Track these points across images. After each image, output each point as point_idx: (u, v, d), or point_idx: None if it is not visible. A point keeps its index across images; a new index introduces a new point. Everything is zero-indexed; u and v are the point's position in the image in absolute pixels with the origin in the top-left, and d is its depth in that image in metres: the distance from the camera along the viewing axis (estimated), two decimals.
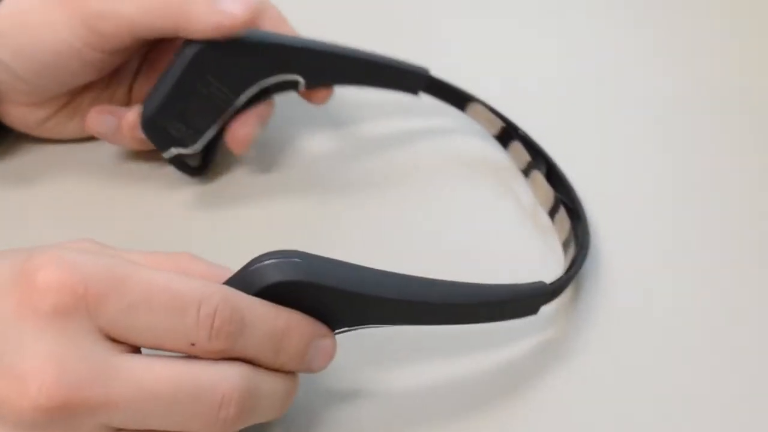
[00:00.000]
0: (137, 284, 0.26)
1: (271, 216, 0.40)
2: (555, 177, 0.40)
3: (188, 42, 0.36)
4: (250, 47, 0.37)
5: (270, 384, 0.28)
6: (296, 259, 0.28)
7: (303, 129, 0.44)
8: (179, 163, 0.39)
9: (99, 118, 0.40)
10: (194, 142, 0.38)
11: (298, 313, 0.28)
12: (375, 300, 0.29)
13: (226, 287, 0.27)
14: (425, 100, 0.43)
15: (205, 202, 0.40)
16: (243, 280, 0.28)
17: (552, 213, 0.39)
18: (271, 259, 0.28)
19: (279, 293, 0.28)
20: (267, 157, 0.43)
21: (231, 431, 0.27)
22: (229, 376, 0.27)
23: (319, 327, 0.29)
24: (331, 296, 0.28)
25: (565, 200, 0.39)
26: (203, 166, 0.40)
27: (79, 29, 0.36)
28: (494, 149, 0.43)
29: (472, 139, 0.44)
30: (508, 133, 0.42)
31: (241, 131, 0.39)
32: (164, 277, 0.26)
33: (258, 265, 0.28)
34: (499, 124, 0.42)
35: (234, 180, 0.42)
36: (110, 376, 0.25)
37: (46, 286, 0.25)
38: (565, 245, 0.38)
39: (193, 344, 0.26)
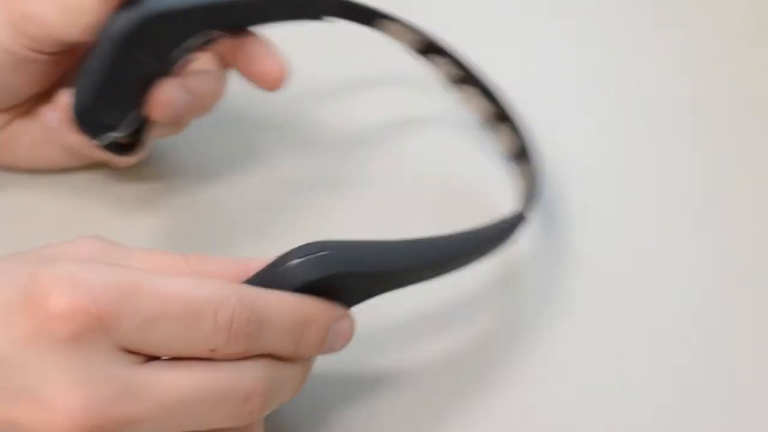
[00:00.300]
0: (150, 296, 0.25)
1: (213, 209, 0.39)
2: (485, 90, 0.40)
3: (110, 22, 0.34)
4: (171, 16, 0.35)
5: (290, 371, 0.28)
6: (324, 252, 0.28)
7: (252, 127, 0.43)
8: (113, 146, 0.37)
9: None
10: (128, 123, 0.36)
11: (316, 301, 0.28)
12: (396, 273, 0.30)
13: (242, 286, 0.27)
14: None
15: (146, 200, 0.39)
16: (273, 281, 0.28)
17: (492, 125, 0.39)
18: (299, 257, 0.28)
19: (310, 289, 0.28)
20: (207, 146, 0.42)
21: (255, 420, 0.27)
22: (250, 373, 0.27)
23: (337, 311, 0.29)
24: (356, 279, 0.29)
25: (501, 111, 0.39)
26: (136, 142, 0.38)
27: (10, 29, 0.34)
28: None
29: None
30: (430, 47, 0.41)
31: (161, 95, 0.35)
32: (177, 284, 0.26)
33: (289, 264, 0.28)
34: (418, 38, 0.41)
35: (170, 174, 0.41)
36: (134, 392, 0.25)
37: (60, 312, 0.24)
38: (515, 157, 0.38)
39: (212, 350, 0.26)
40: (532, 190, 0.37)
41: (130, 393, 0.25)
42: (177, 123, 0.38)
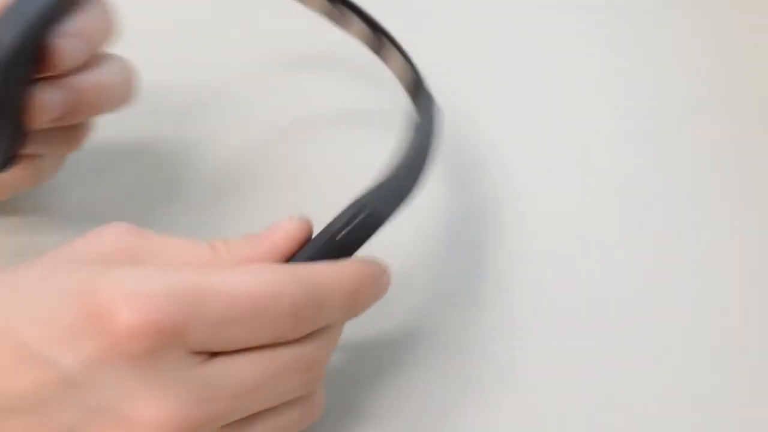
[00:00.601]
0: (214, 300, 0.25)
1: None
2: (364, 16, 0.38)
3: None
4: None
5: (339, 332, 0.30)
6: (365, 214, 0.28)
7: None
8: None
9: None
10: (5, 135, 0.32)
11: (362, 265, 0.29)
12: (407, 197, 0.30)
13: (296, 270, 0.27)
14: None
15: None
16: (322, 254, 0.28)
17: (376, 50, 0.38)
18: (345, 225, 0.28)
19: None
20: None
21: (318, 385, 0.29)
22: (311, 347, 0.28)
23: (378, 268, 0.29)
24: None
25: (381, 33, 0.38)
26: (9, 158, 0.33)
27: None
28: None
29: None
30: None
31: (38, 100, 0.31)
32: (237, 282, 0.26)
33: (340, 235, 0.28)
34: None
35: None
36: (209, 391, 0.25)
37: (131, 331, 0.24)
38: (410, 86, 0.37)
39: (276, 338, 0.27)
40: (416, 77, 0.36)
41: (206, 393, 0.25)
42: (71, 134, 0.34)
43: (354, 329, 0.33)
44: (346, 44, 0.39)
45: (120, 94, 0.33)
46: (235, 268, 0.26)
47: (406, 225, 0.37)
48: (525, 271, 0.37)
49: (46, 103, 0.31)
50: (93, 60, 0.32)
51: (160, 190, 0.39)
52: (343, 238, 0.28)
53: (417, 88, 0.36)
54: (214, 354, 0.26)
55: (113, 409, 0.25)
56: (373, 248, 0.30)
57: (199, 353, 0.26)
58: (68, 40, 0.30)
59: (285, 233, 0.28)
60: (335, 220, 0.28)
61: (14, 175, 0.34)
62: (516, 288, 0.37)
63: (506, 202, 0.39)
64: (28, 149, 0.33)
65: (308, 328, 0.27)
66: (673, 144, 0.43)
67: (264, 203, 0.39)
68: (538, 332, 0.35)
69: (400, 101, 0.40)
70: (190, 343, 0.25)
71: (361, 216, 0.28)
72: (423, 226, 0.39)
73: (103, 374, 0.24)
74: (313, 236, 0.29)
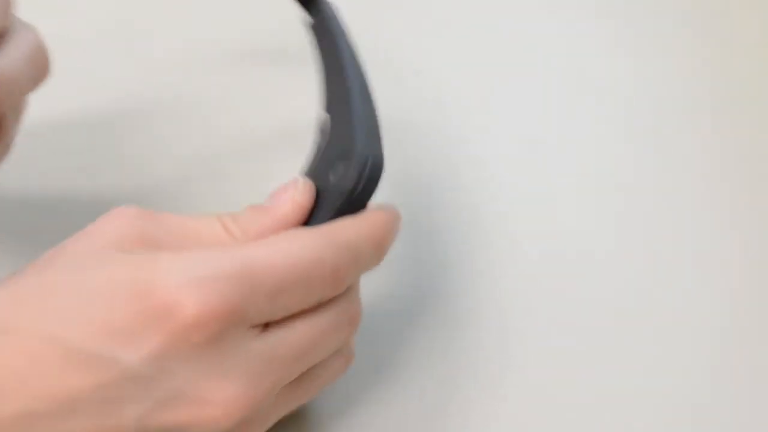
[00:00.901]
0: (265, 276, 0.26)
1: None
2: None
3: None
4: None
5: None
6: (370, 162, 0.29)
7: None
8: None
9: None
10: None
11: (382, 213, 0.29)
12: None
13: (328, 232, 0.28)
14: None
15: None
16: (349, 208, 0.29)
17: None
18: (357, 182, 0.29)
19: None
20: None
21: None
22: (351, 300, 0.29)
23: (394, 212, 0.30)
24: None
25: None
26: None
27: None
28: None
29: None
30: None
31: None
32: (280, 254, 0.26)
33: (356, 192, 0.29)
34: None
35: None
36: (273, 362, 0.27)
37: (195, 321, 0.25)
38: None
39: (321, 300, 0.28)
40: None
41: (269, 363, 0.26)
42: None
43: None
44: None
45: (29, 80, 0.30)
46: (276, 239, 0.27)
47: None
48: (523, 270, 0.38)
49: None
50: None
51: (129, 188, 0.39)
52: (359, 192, 0.29)
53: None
54: (267, 325, 0.27)
55: (184, 395, 0.25)
56: None
57: (256, 326, 0.26)
58: None
59: (292, 204, 0.29)
60: (346, 178, 0.29)
61: None
62: (512, 288, 0.37)
63: (502, 204, 0.40)
64: None
65: (347, 284, 0.28)
66: (671, 144, 0.43)
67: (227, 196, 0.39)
68: (536, 332, 0.36)
69: None
70: (249, 319, 0.26)
71: (368, 167, 0.29)
72: (418, 228, 0.39)
73: (170, 364, 0.25)
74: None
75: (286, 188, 0.29)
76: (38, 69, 0.30)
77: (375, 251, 0.29)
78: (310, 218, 0.29)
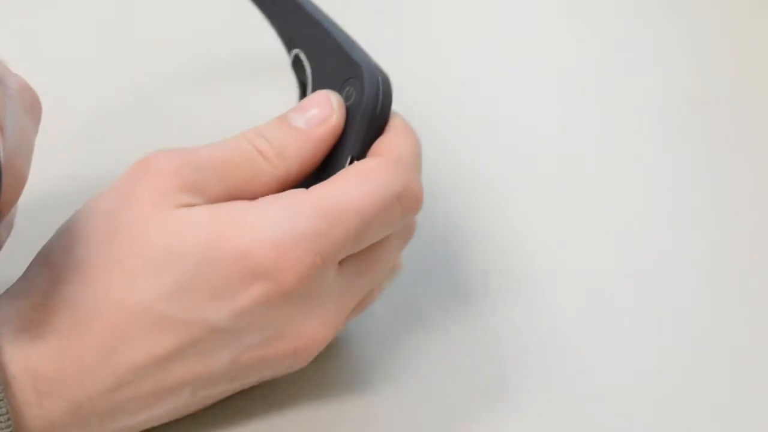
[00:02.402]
0: (346, 218, 0.26)
1: None
2: None
3: None
4: None
5: None
6: (380, 76, 0.29)
7: None
8: None
9: None
10: None
11: (408, 126, 0.30)
12: None
13: (393, 161, 0.28)
14: None
15: None
16: (375, 126, 0.29)
17: None
18: (378, 96, 0.29)
19: None
20: None
21: None
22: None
23: (408, 124, 0.31)
24: None
25: None
26: None
27: None
28: None
29: None
30: None
31: None
32: (356, 191, 0.27)
33: (379, 106, 0.29)
34: None
35: None
36: (354, 289, 0.28)
37: (294, 280, 0.25)
38: None
39: (405, 222, 0.29)
40: None
41: (350, 292, 0.28)
42: None
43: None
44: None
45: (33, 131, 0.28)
46: (348, 181, 0.27)
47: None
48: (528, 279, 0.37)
49: None
50: None
51: None
52: (381, 109, 0.29)
53: None
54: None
55: (275, 337, 0.27)
56: None
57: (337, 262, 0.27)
58: None
59: (327, 127, 0.29)
60: (365, 97, 0.29)
61: None
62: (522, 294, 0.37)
63: (508, 218, 0.39)
64: None
65: (422, 200, 0.28)
66: (669, 146, 0.43)
67: None
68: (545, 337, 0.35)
69: None
70: (338, 260, 0.27)
71: (381, 83, 0.29)
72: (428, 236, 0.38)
73: (264, 316, 0.26)
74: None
75: (319, 106, 0.29)
76: (36, 115, 0.29)
77: (420, 151, 0.29)
78: (341, 140, 0.29)
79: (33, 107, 0.29)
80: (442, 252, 0.37)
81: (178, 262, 0.25)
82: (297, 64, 0.32)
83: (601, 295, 0.36)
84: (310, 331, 0.27)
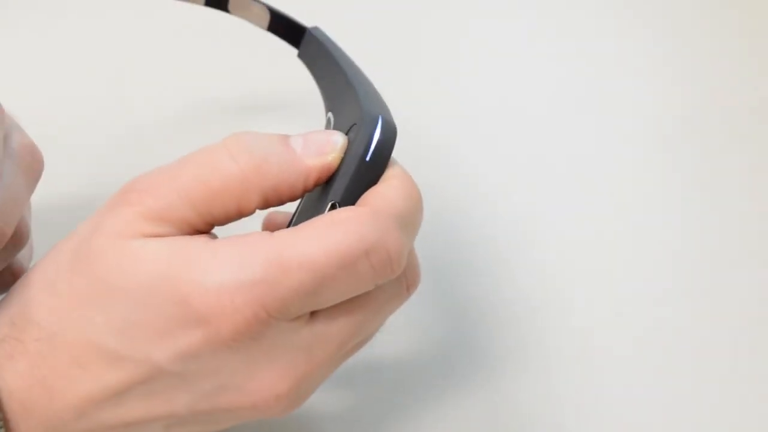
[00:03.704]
0: (300, 272, 0.24)
1: None
2: None
3: None
4: None
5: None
6: (381, 120, 0.27)
7: None
8: None
9: None
10: None
11: (404, 171, 0.27)
12: None
13: (367, 213, 0.25)
14: None
15: None
16: (365, 174, 0.26)
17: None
18: (372, 141, 0.26)
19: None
20: None
21: None
22: (408, 270, 0.27)
23: (398, 165, 0.28)
24: None
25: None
26: None
27: None
28: None
29: None
30: None
31: None
32: (315, 245, 0.24)
33: (373, 154, 0.26)
34: None
35: None
36: (320, 347, 0.26)
37: (233, 330, 0.24)
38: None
39: (376, 285, 0.26)
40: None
41: (316, 349, 0.26)
42: None
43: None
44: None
45: (28, 190, 0.29)
46: (314, 227, 0.25)
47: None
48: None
49: None
50: None
51: None
52: (375, 153, 0.26)
53: (288, 29, 0.35)
54: (316, 311, 0.26)
55: (229, 386, 0.25)
56: None
57: (302, 316, 0.25)
58: None
59: (322, 163, 0.26)
60: (358, 139, 0.26)
61: None
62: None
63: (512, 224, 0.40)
64: None
65: (404, 262, 0.26)
66: (673, 154, 0.43)
67: None
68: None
69: None
70: (291, 315, 0.25)
71: (380, 125, 0.27)
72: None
73: (210, 363, 0.25)
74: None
75: (323, 140, 0.27)
76: (34, 175, 0.30)
77: (419, 213, 0.27)
78: (327, 185, 0.27)
79: (31, 167, 0.29)
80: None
81: (126, 298, 0.24)
82: (327, 126, 0.31)
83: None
84: (267, 384, 0.25)
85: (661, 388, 0.35)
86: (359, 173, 0.26)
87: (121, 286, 0.24)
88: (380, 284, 0.26)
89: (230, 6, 0.35)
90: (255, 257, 0.24)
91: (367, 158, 0.26)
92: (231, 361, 0.25)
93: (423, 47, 0.47)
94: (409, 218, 0.26)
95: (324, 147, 0.27)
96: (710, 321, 0.37)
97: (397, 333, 0.35)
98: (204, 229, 0.26)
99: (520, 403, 0.34)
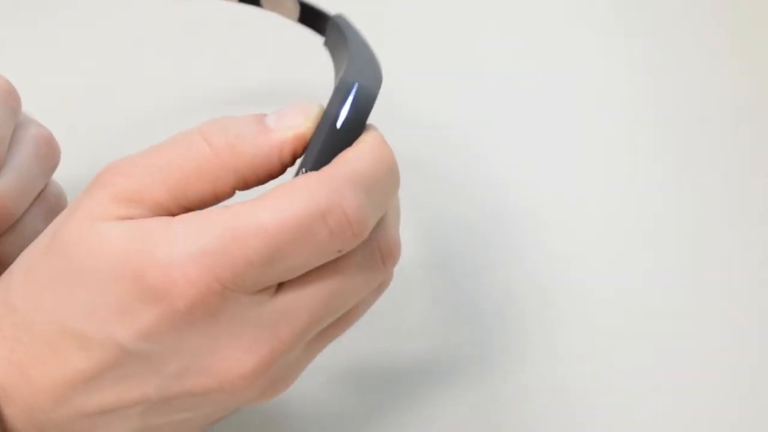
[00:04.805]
0: (255, 240, 0.23)
1: None
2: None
3: None
4: None
5: (397, 199, 0.28)
6: (357, 88, 0.26)
7: None
8: None
9: None
10: None
11: (377, 134, 0.26)
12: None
13: (325, 175, 0.24)
14: None
15: None
16: (333, 142, 0.25)
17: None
18: (343, 106, 0.25)
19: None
20: None
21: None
22: (380, 239, 0.26)
23: (374, 130, 0.26)
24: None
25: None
26: None
27: None
28: None
29: None
30: None
31: None
32: (269, 212, 0.23)
33: (344, 119, 0.25)
34: None
35: None
36: (287, 322, 0.25)
37: (188, 302, 0.23)
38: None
39: (340, 251, 0.24)
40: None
41: (282, 324, 0.25)
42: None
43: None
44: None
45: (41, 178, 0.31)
46: (264, 196, 0.24)
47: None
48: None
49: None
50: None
51: None
52: (345, 122, 0.25)
53: (315, 18, 0.35)
54: (281, 284, 0.25)
55: (194, 367, 0.25)
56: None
57: (265, 289, 0.25)
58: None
59: (294, 134, 0.26)
60: (329, 106, 0.26)
61: None
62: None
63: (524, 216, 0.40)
64: None
65: (369, 226, 0.24)
66: (687, 152, 0.43)
67: None
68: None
69: None
70: (249, 287, 0.24)
71: (354, 92, 0.25)
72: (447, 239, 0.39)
73: (170, 341, 0.24)
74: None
75: (295, 113, 0.26)
76: (50, 163, 0.31)
77: (390, 179, 0.25)
78: (305, 157, 0.26)
79: (48, 156, 0.31)
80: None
81: (90, 279, 0.24)
82: None
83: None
84: (231, 363, 0.25)
85: (663, 387, 0.35)
86: (330, 140, 0.25)
87: (87, 268, 0.24)
88: (344, 250, 0.25)
89: (263, 1, 0.36)
90: (209, 229, 0.24)
91: (338, 125, 0.25)
92: (192, 338, 0.24)
93: (432, 44, 0.48)
94: (375, 181, 0.25)
95: (296, 118, 0.26)
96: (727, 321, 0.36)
97: (402, 333, 0.35)
98: (178, 213, 0.25)
99: (523, 398, 0.34)
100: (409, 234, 0.39)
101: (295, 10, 0.36)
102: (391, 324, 0.36)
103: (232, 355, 0.25)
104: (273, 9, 0.36)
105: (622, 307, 0.37)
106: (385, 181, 0.25)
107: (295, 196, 0.24)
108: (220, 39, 0.47)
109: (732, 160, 0.42)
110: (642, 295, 0.37)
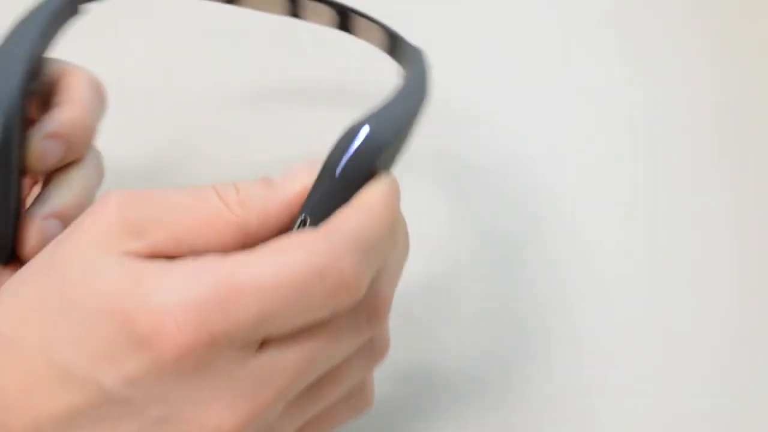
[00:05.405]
0: (250, 295, 0.23)
1: None
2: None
3: None
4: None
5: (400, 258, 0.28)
6: (365, 137, 0.24)
7: None
8: None
9: None
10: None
11: (382, 187, 0.25)
12: (410, 124, 0.27)
13: (326, 234, 0.24)
14: None
15: None
16: (336, 193, 0.24)
17: (347, 28, 0.37)
18: (347, 157, 0.24)
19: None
20: None
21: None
22: (370, 299, 0.26)
23: (392, 181, 0.26)
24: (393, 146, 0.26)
25: (345, 10, 0.35)
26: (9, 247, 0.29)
27: None
28: None
29: None
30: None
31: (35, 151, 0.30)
32: (268, 268, 0.23)
33: (345, 170, 0.24)
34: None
35: None
36: (270, 380, 0.24)
37: (176, 352, 0.23)
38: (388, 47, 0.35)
39: (334, 310, 0.24)
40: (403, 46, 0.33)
41: (265, 382, 0.24)
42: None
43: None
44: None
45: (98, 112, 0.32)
46: (263, 250, 0.24)
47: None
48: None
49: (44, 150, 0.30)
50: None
51: None
52: (343, 171, 0.24)
53: (395, 44, 0.34)
54: (266, 341, 0.25)
55: (174, 418, 0.24)
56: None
57: (250, 345, 0.24)
58: (48, 143, 0.29)
59: (302, 186, 0.25)
60: (331, 150, 0.24)
61: None
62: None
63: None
64: None
65: (365, 287, 0.24)
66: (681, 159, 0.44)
67: None
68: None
69: None
70: (238, 342, 0.24)
71: (360, 141, 0.24)
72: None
73: (154, 389, 0.23)
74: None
75: (304, 167, 0.26)
76: (101, 100, 0.32)
77: (388, 237, 0.25)
78: (303, 206, 0.25)
79: (98, 89, 0.32)
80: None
81: (81, 313, 0.24)
82: None
83: None
84: (212, 420, 0.24)
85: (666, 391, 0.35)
86: (329, 189, 0.25)
87: (80, 300, 0.24)
88: (337, 310, 0.24)
89: (354, 30, 0.36)
90: (204, 277, 0.23)
91: (337, 173, 0.24)
92: (176, 388, 0.24)
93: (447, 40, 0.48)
94: (375, 241, 0.25)
95: (302, 173, 0.26)
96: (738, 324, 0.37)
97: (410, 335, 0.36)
98: (180, 256, 0.25)
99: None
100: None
101: (386, 41, 0.35)
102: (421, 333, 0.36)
103: (213, 410, 0.24)
104: (360, 35, 0.36)
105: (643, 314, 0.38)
106: (385, 242, 0.25)
107: (294, 254, 0.24)
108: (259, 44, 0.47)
109: (747, 159, 0.43)
110: (664, 307, 0.38)
